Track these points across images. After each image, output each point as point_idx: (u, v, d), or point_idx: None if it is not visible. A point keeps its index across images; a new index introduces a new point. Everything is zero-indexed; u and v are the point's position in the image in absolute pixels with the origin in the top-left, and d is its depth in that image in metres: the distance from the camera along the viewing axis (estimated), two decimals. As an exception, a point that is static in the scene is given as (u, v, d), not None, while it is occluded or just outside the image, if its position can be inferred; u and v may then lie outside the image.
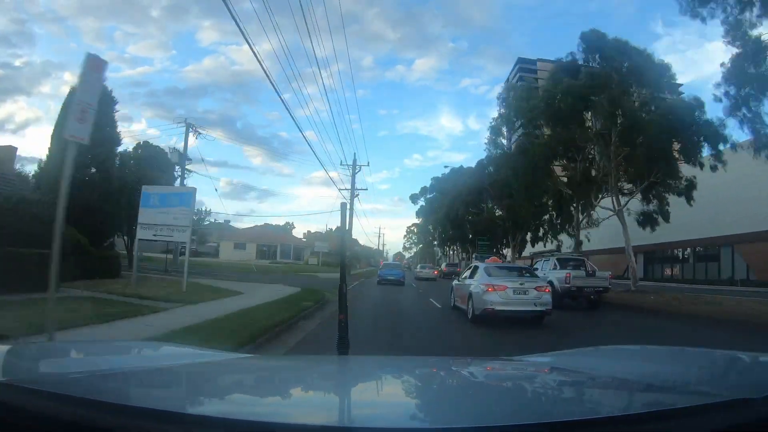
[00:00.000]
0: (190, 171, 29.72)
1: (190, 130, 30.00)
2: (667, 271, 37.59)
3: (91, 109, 4.31)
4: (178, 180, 26.49)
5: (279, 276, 25.56)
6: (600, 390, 1.48)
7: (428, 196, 53.56)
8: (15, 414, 0.93)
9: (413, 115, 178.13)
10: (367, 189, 54.38)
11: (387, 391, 1.61)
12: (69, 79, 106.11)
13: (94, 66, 4.43)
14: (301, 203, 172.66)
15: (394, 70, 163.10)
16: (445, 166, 51.66)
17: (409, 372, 1.88)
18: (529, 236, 35.36)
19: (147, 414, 0.92)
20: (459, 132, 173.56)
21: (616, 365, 1.79)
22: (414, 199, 56.67)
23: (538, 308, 9.65)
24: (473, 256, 41.88)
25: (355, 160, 32.34)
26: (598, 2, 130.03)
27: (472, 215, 41.66)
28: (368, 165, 40.75)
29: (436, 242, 70.72)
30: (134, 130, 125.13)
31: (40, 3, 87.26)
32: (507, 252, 41.37)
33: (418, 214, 61.48)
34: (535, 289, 9.76)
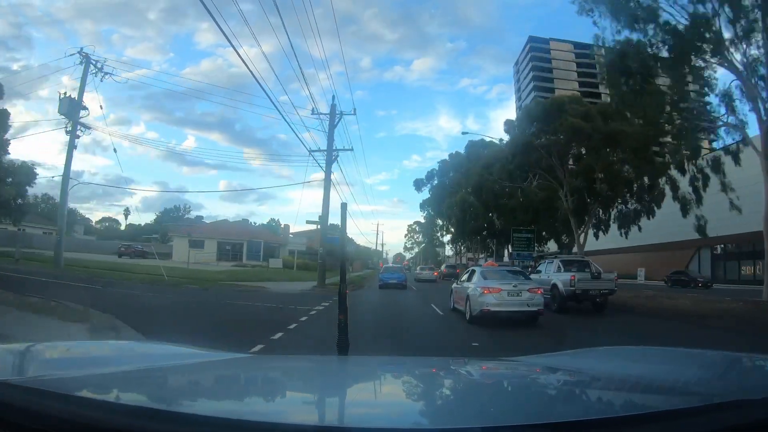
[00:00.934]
0: (87, 128, 21.10)
1: (93, 67, 20.03)
2: (746, 270, 28.87)
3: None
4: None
5: (180, 293, 15.57)
6: (599, 391, 1.46)
7: (436, 182, 43.29)
8: (15, 413, 0.93)
9: (412, 116, 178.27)
10: (352, 149, 32.48)
11: (386, 391, 1.60)
12: (67, 82, 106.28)
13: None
14: (299, 205, 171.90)
15: (392, 70, 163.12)
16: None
17: (407, 372, 1.89)
18: (594, 224, 23.18)
19: (145, 413, 0.93)
20: (458, 133, 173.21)
21: (615, 366, 1.79)
22: (419, 185, 45.88)
23: (531, 308, 10.34)
24: (482, 255, 38.18)
25: (334, 106, 20.99)
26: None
27: (505, 197, 27.82)
28: (354, 114, 23.08)
29: (446, 237, 58.07)
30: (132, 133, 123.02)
31: (37, 6, 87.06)
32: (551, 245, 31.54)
33: (422, 206, 49.90)
34: (528, 290, 10.43)
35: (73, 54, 20.05)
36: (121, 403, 1.00)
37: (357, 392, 1.55)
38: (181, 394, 1.32)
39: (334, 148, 21.92)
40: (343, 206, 3.69)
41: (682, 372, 1.62)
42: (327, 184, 21.60)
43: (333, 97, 22.51)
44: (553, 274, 14.87)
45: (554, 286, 14.10)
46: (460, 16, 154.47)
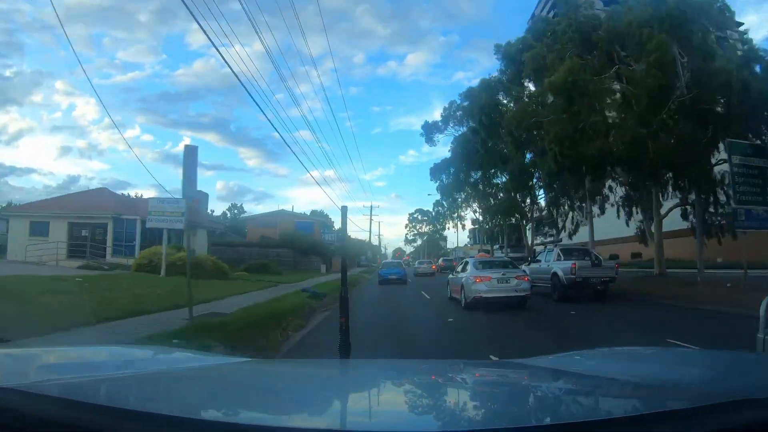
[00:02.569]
0: None
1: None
2: None
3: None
4: None
5: None
6: (602, 391, 1.45)
7: (463, 123, 25.07)
8: (16, 419, 0.93)
9: (407, 111, 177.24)
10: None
11: (388, 395, 1.59)
12: (60, 87, 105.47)
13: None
14: (298, 205, 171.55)
15: (386, 66, 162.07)
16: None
17: (410, 376, 1.88)
18: None
19: (147, 418, 0.93)
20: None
21: (620, 366, 1.79)
22: (430, 133, 27.96)
23: (519, 294, 11.46)
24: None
25: None
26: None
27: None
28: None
29: (468, 217, 39.67)
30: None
31: (27, 12, 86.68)
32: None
33: (434, 173, 31.77)
34: (515, 278, 11.64)
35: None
36: (123, 408, 0.98)
37: (359, 396, 1.54)
38: (182, 399, 1.31)
39: None
40: (344, 209, 3.53)
41: (687, 371, 1.62)
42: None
43: None
44: (553, 262, 14.76)
45: (554, 274, 14.07)
46: (451, 9, 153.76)
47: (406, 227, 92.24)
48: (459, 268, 13.93)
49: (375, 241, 70.68)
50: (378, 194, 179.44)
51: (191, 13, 6.82)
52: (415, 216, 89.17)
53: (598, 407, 1.32)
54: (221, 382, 1.60)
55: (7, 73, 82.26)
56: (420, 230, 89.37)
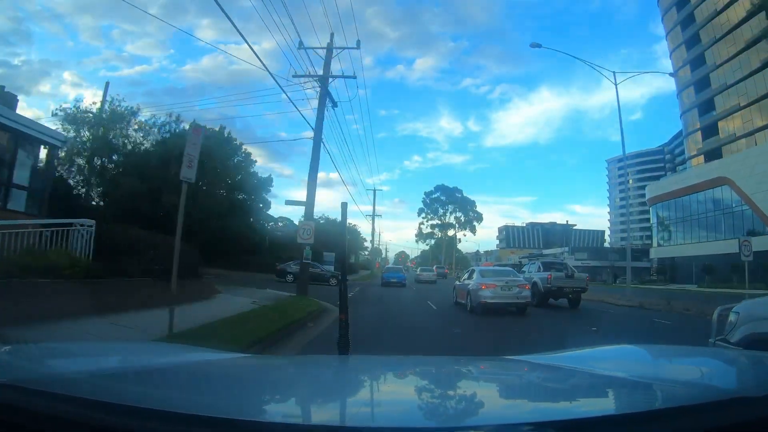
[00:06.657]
0: None
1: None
2: None
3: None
4: None
5: None
6: (600, 389, 1.47)
7: None
8: (16, 415, 0.94)
9: (414, 116, 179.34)
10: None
11: (388, 390, 1.60)
12: (68, 78, 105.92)
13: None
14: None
15: (394, 69, 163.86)
16: None
17: (410, 371, 1.92)
18: None
19: (148, 414, 0.93)
20: (458, 134, 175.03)
21: (617, 364, 1.77)
22: None
23: (520, 301, 12.90)
24: None
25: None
26: (600, 1, 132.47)
27: None
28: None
29: None
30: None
31: (37, 1, 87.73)
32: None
33: None
34: (517, 286, 12.91)
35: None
36: (124, 404, 0.96)
37: (359, 392, 1.55)
38: (185, 395, 1.28)
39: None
40: (344, 205, 3.55)
41: (683, 370, 1.65)
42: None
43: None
44: (534, 273, 17.62)
45: (534, 283, 16.63)
46: (462, 14, 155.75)
47: (419, 214, 71.29)
48: (465, 276, 15.64)
49: (366, 237, 58.03)
50: (381, 198, 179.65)
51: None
52: (436, 196, 66.26)
53: (596, 404, 1.35)
54: (222, 378, 1.60)
55: (15, 61, 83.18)
56: (444, 219, 67.87)
